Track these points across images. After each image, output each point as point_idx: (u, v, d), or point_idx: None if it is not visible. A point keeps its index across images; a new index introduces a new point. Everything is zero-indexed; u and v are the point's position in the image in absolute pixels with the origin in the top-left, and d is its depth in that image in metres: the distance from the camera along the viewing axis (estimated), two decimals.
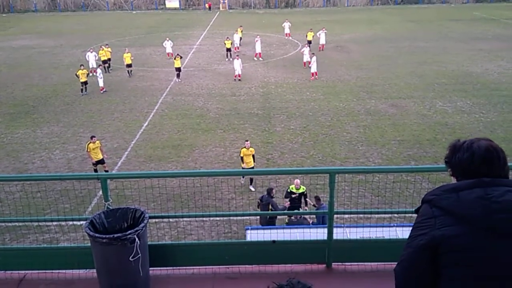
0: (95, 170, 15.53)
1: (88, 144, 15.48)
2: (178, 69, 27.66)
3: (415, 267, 2.23)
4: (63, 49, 38.64)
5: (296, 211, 11.31)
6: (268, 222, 11.58)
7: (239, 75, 27.45)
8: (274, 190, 12.19)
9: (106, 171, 15.57)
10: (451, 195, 2.20)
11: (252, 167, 14.62)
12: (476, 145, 2.25)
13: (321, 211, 11.44)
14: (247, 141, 15.42)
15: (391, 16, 55.26)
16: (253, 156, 15.03)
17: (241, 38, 38.34)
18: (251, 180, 15.09)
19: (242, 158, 14.89)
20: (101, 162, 15.70)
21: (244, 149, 14.86)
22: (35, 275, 4.70)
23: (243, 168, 14.72)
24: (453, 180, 2.34)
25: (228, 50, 33.12)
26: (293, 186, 12.26)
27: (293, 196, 12.09)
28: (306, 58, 30.04)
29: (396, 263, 4.62)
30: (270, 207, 11.50)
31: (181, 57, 28.58)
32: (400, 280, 2.31)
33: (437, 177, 13.44)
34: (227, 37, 33.99)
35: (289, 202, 11.98)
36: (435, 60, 31.68)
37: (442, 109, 21.93)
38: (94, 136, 15.80)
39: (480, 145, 2.24)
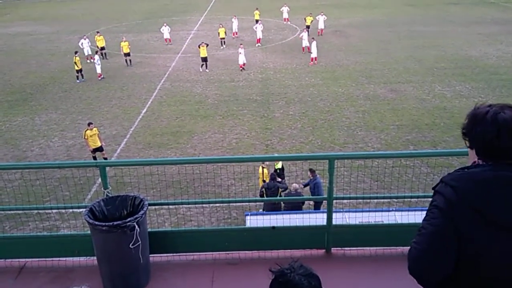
0: (94, 158, 15.50)
1: (86, 131, 15.38)
2: (205, 59, 26.15)
3: (440, 235, 1.98)
4: (60, 36, 38.30)
5: (294, 197, 11.30)
6: (275, 208, 11.49)
7: (243, 64, 26.50)
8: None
9: (105, 158, 15.56)
10: (482, 189, 1.95)
11: None
12: (501, 117, 1.95)
13: (320, 199, 11.49)
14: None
15: (390, 0, 54.73)
16: None
17: (257, 21, 37.58)
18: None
19: None
20: (99, 149, 15.65)
21: None
22: (35, 263, 4.72)
23: None
24: (471, 154, 2.10)
25: (222, 38, 32.03)
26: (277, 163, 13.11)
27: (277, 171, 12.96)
28: (305, 43, 29.83)
29: (395, 247, 4.64)
30: (279, 191, 11.47)
31: (207, 45, 26.82)
32: (422, 248, 2.03)
33: (436, 162, 13.52)
34: (220, 24, 32.97)
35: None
36: (434, 44, 31.49)
37: (441, 94, 21.88)
38: (92, 123, 15.69)
39: (506, 118, 1.95)
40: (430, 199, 2.14)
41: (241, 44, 28.08)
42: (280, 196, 11.34)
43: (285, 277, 1.92)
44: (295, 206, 11.21)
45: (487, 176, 1.96)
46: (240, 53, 26.39)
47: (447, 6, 48.52)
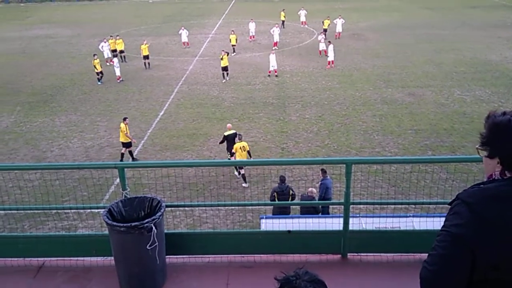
0: (122, 155, 16.04)
1: (120, 124, 16.23)
2: (225, 68, 25.16)
3: (452, 259, 1.96)
4: (80, 39, 38.95)
5: (309, 201, 11.22)
6: (283, 211, 11.48)
7: (275, 71, 25.71)
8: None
9: (122, 153, 15.96)
10: (498, 205, 1.91)
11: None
12: None
13: (329, 203, 11.41)
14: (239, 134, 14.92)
15: (409, 4, 54.25)
16: (248, 152, 14.31)
17: (283, 22, 37.41)
18: (244, 178, 14.41)
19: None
20: (125, 145, 16.14)
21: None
22: (53, 262, 4.79)
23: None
24: (491, 164, 2.04)
25: (234, 45, 31.32)
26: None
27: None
28: (322, 46, 29.76)
29: (412, 254, 4.59)
30: (291, 194, 11.41)
31: (228, 54, 26.01)
32: (434, 271, 2.01)
33: (456, 168, 13.31)
34: (232, 31, 32.27)
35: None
36: (453, 48, 31.09)
37: (460, 98, 21.57)
38: (126, 118, 16.48)
39: None
40: (448, 206, 2.10)
41: (272, 50, 27.86)
42: (293, 198, 11.28)
43: (291, 284, 1.92)
44: (309, 210, 11.14)
45: (504, 191, 1.94)
46: (270, 59, 25.63)
47: (466, 10, 47.89)
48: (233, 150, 14.20)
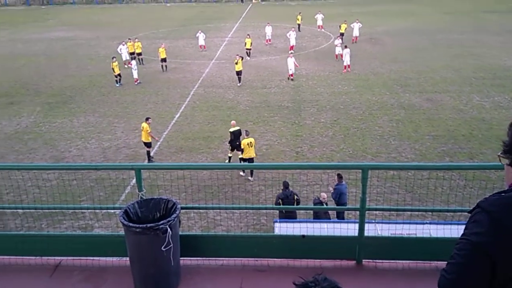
0: (148, 153, 16.39)
1: (142, 124, 16.53)
2: (239, 73, 25.11)
3: (471, 268, 1.93)
4: (100, 41, 39.51)
5: (323, 206, 11.17)
6: (289, 217, 11.35)
7: (291, 75, 25.79)
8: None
9: (148, 152, 16.43)
10: None
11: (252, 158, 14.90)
12: None
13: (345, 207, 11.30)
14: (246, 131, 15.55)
15: (426, 8, 53.74)
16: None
17: (299, 25, 37.72)
18: (251, 171, 15.10)
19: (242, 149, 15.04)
20: (146, 145, 16.44)
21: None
22: (70, 261, 4.85)
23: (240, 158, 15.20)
24: (511, 171, 2.03)
25: (248, 49, 31.32)
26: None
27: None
28: (338, 50, 29.64)
29: (428, 262, 4.53)
30: (295, 200, 11.37)
31: (242, 58, 25.89)
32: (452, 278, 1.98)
33: (474, 175, 13.10)
34: (248, 35, 32.24)
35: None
36: (472, 53, 30.66)
37: (479, 104, 21.24)
38: (149, 118, 16.73)
39: None
40: (466, 213, 2.07)
41: (290, 53, 27.91)
42: (297, 203, 11.22)
43: None
44: (320, 215, 11.07)
45: None
46: (288, 62, 25.61)
47: (485, 15, 47.22)
48: (242, 146, 14.89)
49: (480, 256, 1.90)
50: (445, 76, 25.74)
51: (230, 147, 15.86)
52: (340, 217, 11.76)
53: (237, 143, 15.45)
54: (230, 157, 16.03)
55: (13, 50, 36.62)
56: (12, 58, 33.68)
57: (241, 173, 15.28)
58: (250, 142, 14.83)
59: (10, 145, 18.15)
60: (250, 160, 14.77)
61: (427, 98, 22.31)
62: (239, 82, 25.28)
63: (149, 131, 16.19)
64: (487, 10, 49.98)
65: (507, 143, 2.02)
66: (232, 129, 15.84)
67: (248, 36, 31.93)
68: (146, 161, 16.19)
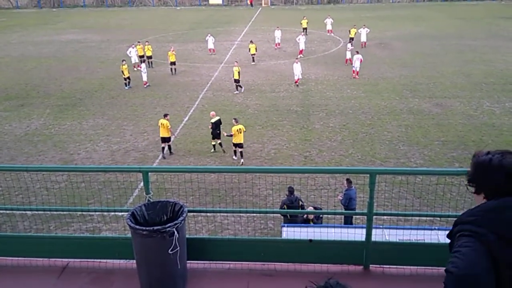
0: (163, 148, 17.10)
1: (160, 119, 17.24)
2: (237, 81, 24.55)
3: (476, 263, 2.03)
4: (110, 44, 39.83)
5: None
6: (294, 221, 11.33)
7: (297, 80, 25.39)
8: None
9: (169, 146, 17.26)
10: (496, 215, 2.10)
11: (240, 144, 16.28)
12: (506, 162, 2.16)
13: (353, 211, 11.25)
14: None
15: (438, 13, 53.50)
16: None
17: (305, 29, 37.99)
18: (241, 154, 16.36)
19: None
20: (165, 140, 17.03)
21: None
22: (77, 263, 4.87)
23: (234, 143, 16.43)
24: (478, 199, 2.24)
25: (253, 55, 30.93)
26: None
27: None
28: (349, 55, 29.59)
29: (436, 268, 4.48)
30: (300, 205, 11.34)
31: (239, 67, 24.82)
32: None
33: None
34: (251, 41, 32.06)
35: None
36: (483, 59, 30.43)
37: (490, 110, 21.06)
38: (167, 114, 17.56)
39: (511, 163, 2.15)
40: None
41: (297, 58, 27.82)
42: (302, 208, 11.19)
43: None
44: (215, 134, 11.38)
45: (498, 203, 2.13)
46: (294, 68, 25.36)
47: (497, 20, 46.87)
48: (232, 132, 16.26)
49: (481, 242, 2.05)
50: (455, 82, 25.57)
51: (212, 136, 17.35)
52: (348, 222, 11.70)
53: (218, 131, 17.16)
54: (214, 145, 17.42)
55: (24, 53, 37.03)
56: (23, 61, 34.06)
57: (234, 157, 16.68)
58: (240, 129, 16.18)
59: (20, 147, 18.32)
60: (239, 145, 16.28)
61: (437, 103, 22.17)
62: (236, 90, 24.66)
63: (169, 126, 16.88)
64: (501, 16, 49.62)
65: (469, 173, 2.26)
66: (213, 120, 17.25)
67: (251, 42, 31.71)
68: (163, 154, 16.99)
